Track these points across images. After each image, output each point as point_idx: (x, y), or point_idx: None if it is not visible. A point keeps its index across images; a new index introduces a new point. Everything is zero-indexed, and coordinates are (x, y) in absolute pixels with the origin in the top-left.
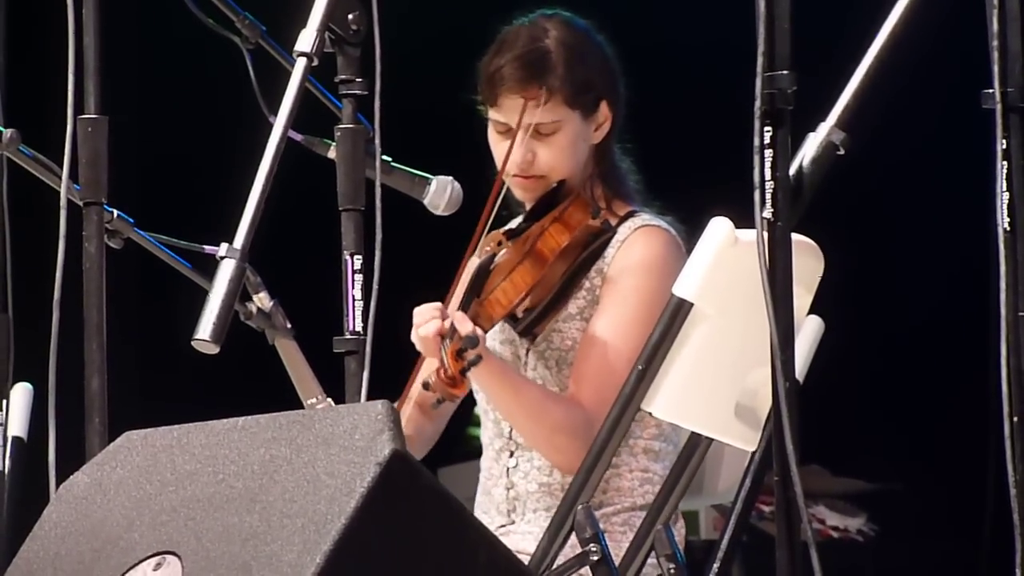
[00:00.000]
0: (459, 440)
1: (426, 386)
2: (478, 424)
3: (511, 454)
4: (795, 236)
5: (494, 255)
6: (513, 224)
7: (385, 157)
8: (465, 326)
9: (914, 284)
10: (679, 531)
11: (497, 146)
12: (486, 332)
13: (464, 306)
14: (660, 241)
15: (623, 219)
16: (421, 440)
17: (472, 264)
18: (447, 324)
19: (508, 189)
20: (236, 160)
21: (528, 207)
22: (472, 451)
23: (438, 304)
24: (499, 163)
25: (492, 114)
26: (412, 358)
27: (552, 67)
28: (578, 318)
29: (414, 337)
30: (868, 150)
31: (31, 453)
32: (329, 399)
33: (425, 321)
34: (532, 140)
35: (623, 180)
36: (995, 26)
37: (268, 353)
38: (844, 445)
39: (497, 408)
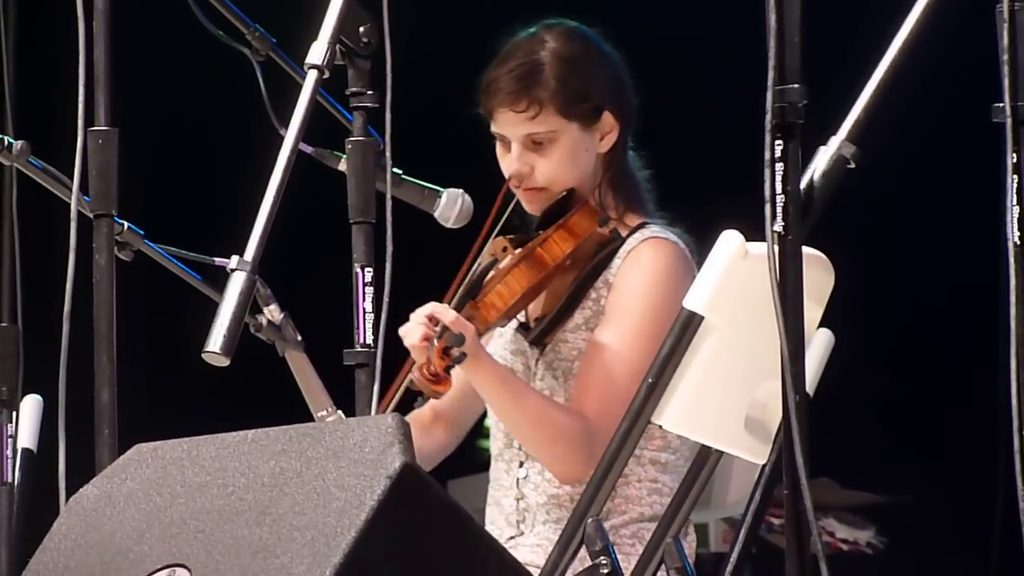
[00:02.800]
0: (469, 452)
1: (411, 383)
2: (488, 436)
3: (521, 464)
4: (805, 249)
5: (496, 261)
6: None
7: (396, 170)
8: (451, 320)
9: (924, 297)
10: (690, 544)
11: (501, 158)
12: (481, 335)
13: (459, 307)
14: (666, 253)
15: (633, 230)
16: (425, 459)
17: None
18: (436, 325)
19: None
20: (247, 172)
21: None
22: (482, 463)
23: (433, 305)
24: (505, 174)
25: (492, 127)
26: None
27: (543, 80)
28: (584, 328)
29: (401, 332)
30: (879, 163)
31: (41, 465)
32: (339, 411)
33: (413, 324)
34: (529, 152)
35: (635, 189)
36: (1005, 40)
37: (278, 365)
38: (854, 458)
39: (498, 415)
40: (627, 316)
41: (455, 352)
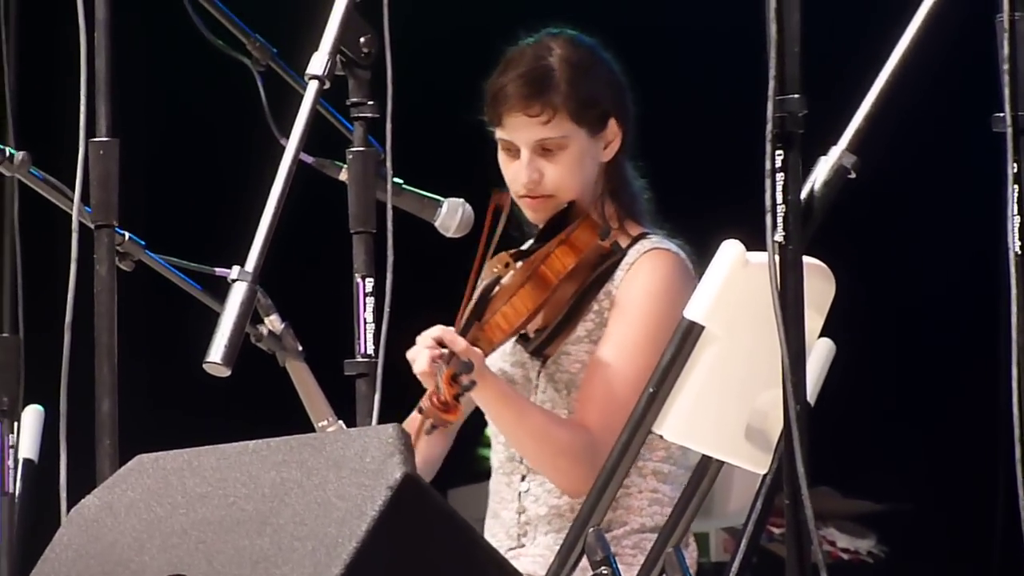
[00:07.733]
0: (469, 461)
1: (420, 411)
2: (489, 445)
3: (523, 478)
4: (806, 259)
5: (499, 277)
6: (524, 246)
7: (396, 179)
8: (461, 349)
9: (924, 307)
10: (691, 554)
11: (506, 166)
12: (487, 355)
13: (465, 330)
14: (668, 265)
15: (633, 241)
16: (427, 464)
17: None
18: (444, 350)
19: (519, 210)
20: (247, 182)
21: (540, 227)
22: (483, 472)
23: (440, 329)
24: (508, 184)
25: (498, 133)
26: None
27: (555, 84)
28: (586, 340)
29: (409, 356)
30: (879, 173)
31: (42, 475)
32: (340, 422)
33: (420, 348)
34: (538, 158)
35: (635, 199)
36: (1006, 49)
37: (279, 376)
38: (854, 467)
39: (501, 431)
40: (629, 328)
41: (464, 380)
